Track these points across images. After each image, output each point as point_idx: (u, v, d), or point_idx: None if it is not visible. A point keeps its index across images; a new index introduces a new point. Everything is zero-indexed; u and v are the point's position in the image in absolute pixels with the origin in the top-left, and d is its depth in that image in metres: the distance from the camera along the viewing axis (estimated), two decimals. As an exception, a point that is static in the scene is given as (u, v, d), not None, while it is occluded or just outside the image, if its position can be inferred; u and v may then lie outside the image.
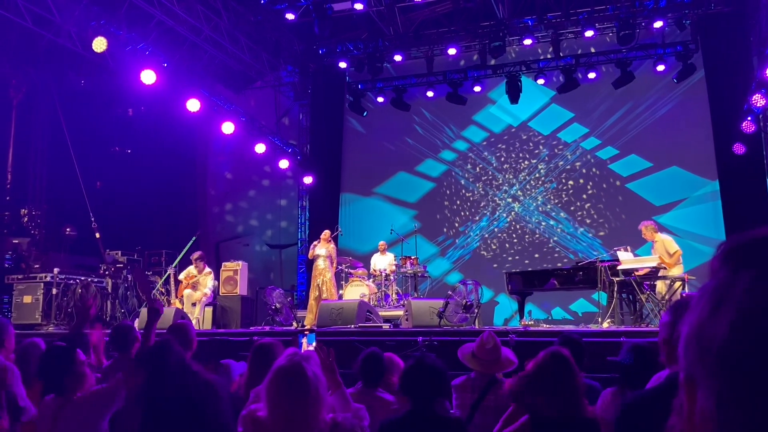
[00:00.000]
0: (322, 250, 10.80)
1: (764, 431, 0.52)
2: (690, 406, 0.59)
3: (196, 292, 10.73)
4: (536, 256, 13.63)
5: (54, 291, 10.69)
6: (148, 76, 10.42)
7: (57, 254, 11.75)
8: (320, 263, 10.80)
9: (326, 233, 11.01)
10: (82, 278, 11.20)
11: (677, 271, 9.11)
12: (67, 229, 12.36)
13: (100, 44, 9.79)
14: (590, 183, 13.57)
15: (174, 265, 11.44)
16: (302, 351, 2.74)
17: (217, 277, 11.42)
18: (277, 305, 10.34)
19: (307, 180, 14.71)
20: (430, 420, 3.05)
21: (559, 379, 2.87)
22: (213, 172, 16.15)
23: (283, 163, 14.21)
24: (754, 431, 0.52)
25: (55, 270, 10.82)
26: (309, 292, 11.06)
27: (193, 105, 11.48)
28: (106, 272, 11.60)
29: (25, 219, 12.28)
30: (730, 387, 0.54)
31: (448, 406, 4.12)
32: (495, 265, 13.76)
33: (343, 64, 14.33)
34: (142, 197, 14.14)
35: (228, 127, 12.49)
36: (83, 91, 13.79)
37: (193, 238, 11.64)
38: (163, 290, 11.51)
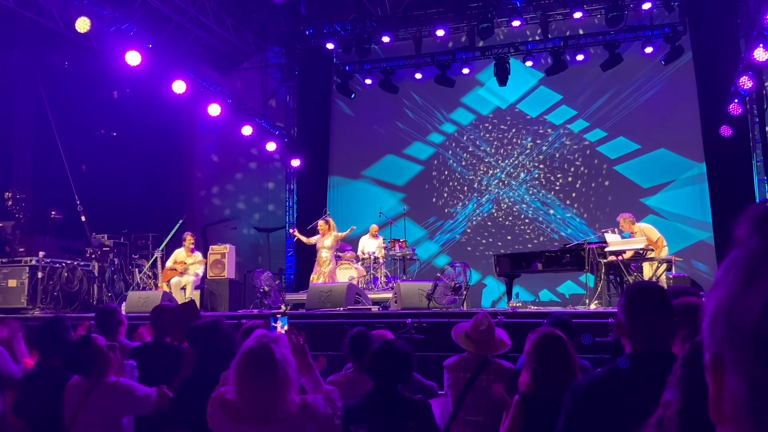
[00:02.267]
0: (328, 240, 10.85)
1: None
2: (717, 389, 0.54)
3: (182, 277, 10.73)
4: (524, 238, 13.68)
5: (39, 275, 10.60)
6: (132, 58, 10.28)
7: (42, 237, 11.64)
8: (324, 254, 10.87)
9: (321, 224, 11.01)
10: (68, 262, 11.10)
11: (663, 253, 9.19)
12: (53, 213, 12.23)
13: (83, 24, 9.63)
14: (578, 165, 13.58)
15: (161, 248, 11.39)
16: (272, 333, 2.73)
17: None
18: (266, 288, 10.30)
19: (295, 163, 14.63)
20: (393, 401, 3.06)
21: (555, 359, 2.88)
22: (199, 154, 16.01)
23: (270, 146, 14.11)
24: None
25: (41, 253, 10.71)
26: (311, 276, 11.07)
27: (179, 87, 11.35)
28: (93, 255, 11.52)
29: (9, 202, 12.13)
30: (766, 369, 0.49)
31: (437, 388, 4.14)
32: (483, 248, 13.79)
33: (330, 46, 14.21)
34: (128, 180, 14.01)
35: (214, 109, 12.37)
36: (67, 72, 13.59)
37: (180, 222, 11.58)
38: (150, 273, 11.46)
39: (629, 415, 1.92)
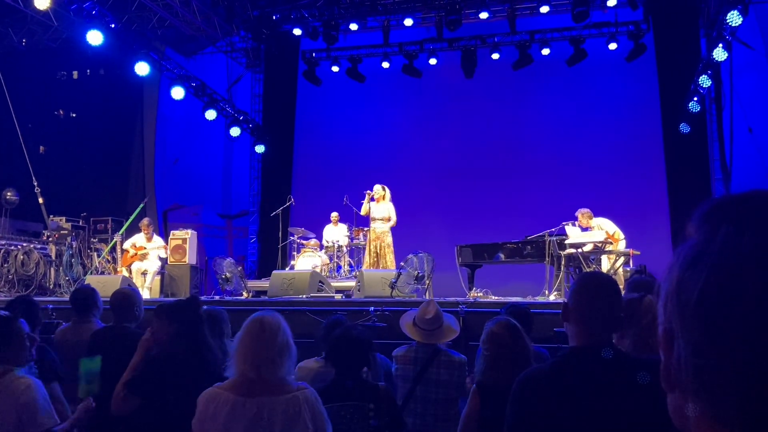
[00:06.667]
0: (381, 209, 9.78)
1: (737, 373, 0.56)
2: (667, 357, 0.64)
3: (143, 262, 10.56)
4: (486, 229, 13.78)
5: (-6, 257, 10.34)
6: (94, 37, 10.03)
7: (-3, 219, 11.36)
8: (378, 226, 9.99)
9: (378, 190, 10.04)
10: (24, 244, 10.84)
11: (620, 246, 9.42)
12: (8, 194, 11.91)
13: (42, 1, 9.38)
14: (541, 158, 13.74)
15: (121, 232, 11.20)
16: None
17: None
18: (227, 275, 10.21)
19: (259, 149, 14.50)
20: (356, 388, 3.10)
21: (509, 348, 2.93)
22: (161, 138, 15.73)
23: (235, 131, 13.95)
24: (728, 373, 0.57)
25: (-5, 235, 10.45)
26: (363, 257, 10.03)
27: (142, 68, 11.13)
28: (50, 238, 11.26)
29: (-37, 182, 11.80)
30: (706, 335, 0.58)
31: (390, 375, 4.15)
32: (446, 238, 13.86)
33: (297, 32, 14.07)
34: (88, 162, 13.73)
35: (177, 93, 12.19)
36: (25, 50, 13.23)
37: (141, 205, 11.40)
38: (109, 258, 11.26)
39: (564, 408, 1.97)
